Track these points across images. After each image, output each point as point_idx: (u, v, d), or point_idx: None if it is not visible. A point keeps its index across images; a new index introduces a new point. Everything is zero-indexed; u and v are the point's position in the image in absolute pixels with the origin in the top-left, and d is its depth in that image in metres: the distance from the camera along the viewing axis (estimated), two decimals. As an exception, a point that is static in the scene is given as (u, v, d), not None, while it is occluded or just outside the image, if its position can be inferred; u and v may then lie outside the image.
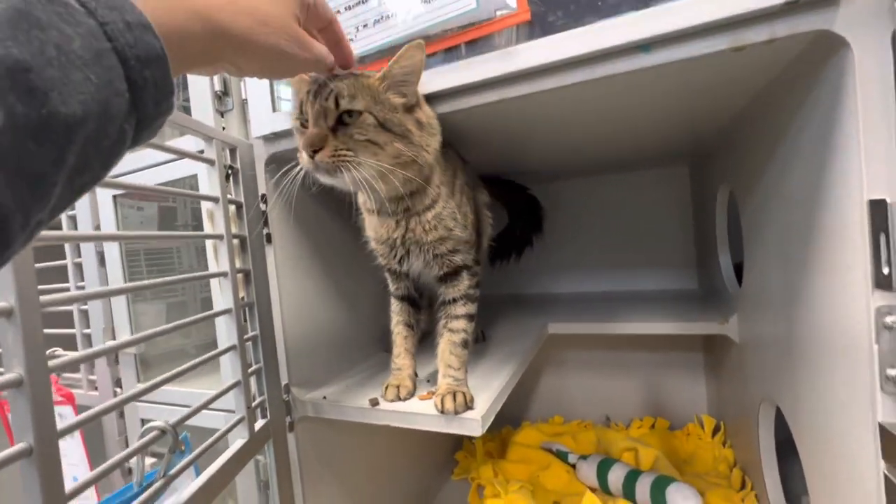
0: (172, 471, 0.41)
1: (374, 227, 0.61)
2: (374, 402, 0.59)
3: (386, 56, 0.54)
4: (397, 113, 0.49)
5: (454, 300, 0.62)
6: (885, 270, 0.35)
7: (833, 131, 0.40)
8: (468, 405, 0.54)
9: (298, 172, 0.51)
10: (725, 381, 0.94)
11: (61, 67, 0.17)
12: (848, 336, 0.40)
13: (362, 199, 0.60)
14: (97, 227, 0.78)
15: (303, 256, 0.69)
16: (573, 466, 0.97)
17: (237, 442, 0.52)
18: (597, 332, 0.89)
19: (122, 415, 0.78)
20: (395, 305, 0.67)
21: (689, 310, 0.91)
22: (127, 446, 0.56)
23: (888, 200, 0.34)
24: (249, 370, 0.56)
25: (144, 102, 0.21)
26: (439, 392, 0.55)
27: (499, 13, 0.48)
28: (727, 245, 0.91)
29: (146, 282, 0.44)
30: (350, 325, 0.80)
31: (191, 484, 0.44)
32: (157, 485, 0.39)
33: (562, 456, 1.00)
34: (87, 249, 0.79)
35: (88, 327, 0.82)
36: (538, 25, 0.48)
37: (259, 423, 0.58)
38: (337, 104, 0.46)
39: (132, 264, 0.85)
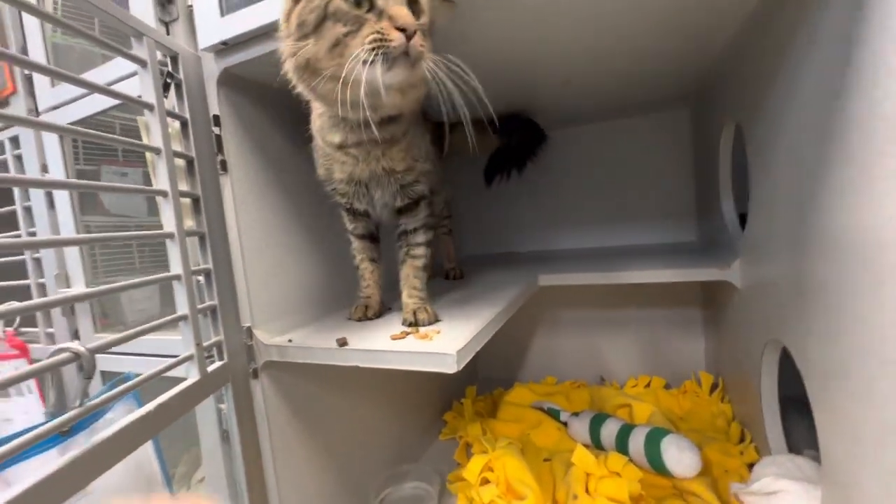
0: (94, 401, 0.36)
1: (341, 166, 0.58)
2: (343, 342, 0.54)
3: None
4: (431, 16, 0.45)
5: (415, 230, 0.64)
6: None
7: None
8: (437, 318, 0.59)
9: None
10: (725, 333, 0.89)
11: None
12: (873, 238, 0.34)
13: (340, 136, 0.54)
14: (44, 167, 0.71)
15: (266, 190, 0.63)
16: (565, 424, 0.93)
17: (187, 381, 0.47)
18: (590, 283, 0.84)
19: (81, 367, 0.72)
20: (356, 244, 0.68)
21: (689, 259, 0.85)
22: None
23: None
24: (201, 306, 0.51)
25: None
26: (409, 309, 0.60)
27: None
28: (731, 188, 0.85)
29: (95, 235, 0.38)
30: (322, 273, 0.75)
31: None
32: (71, 413, 0.34)
33: (553, 414, 0.96)
34: (37, 192, 0.73)
35: (43, 276, 0.76)
36: None
37: (216, 365, 0.53)
38: None
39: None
